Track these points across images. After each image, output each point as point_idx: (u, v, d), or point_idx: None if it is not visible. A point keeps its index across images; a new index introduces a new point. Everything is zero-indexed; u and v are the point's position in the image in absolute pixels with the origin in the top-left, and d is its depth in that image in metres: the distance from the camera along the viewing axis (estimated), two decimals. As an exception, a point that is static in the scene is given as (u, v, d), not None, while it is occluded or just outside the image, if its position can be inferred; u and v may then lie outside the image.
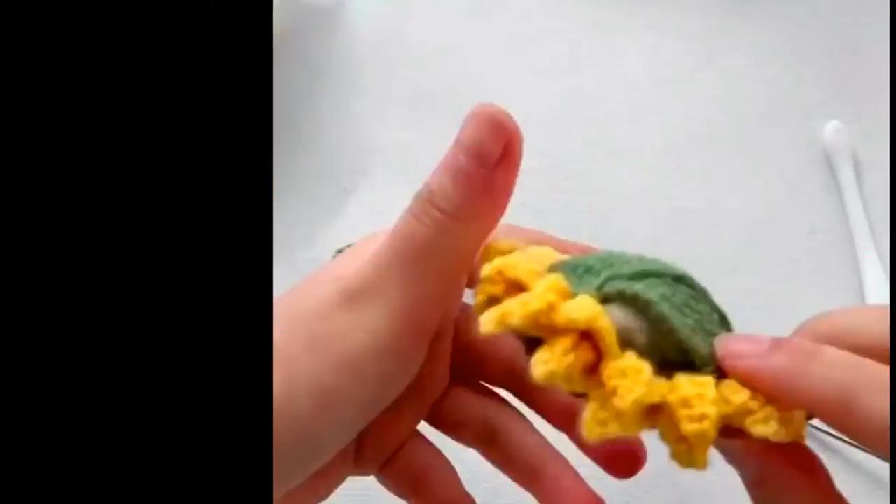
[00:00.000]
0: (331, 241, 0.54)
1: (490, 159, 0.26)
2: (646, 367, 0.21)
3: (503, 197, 0.26)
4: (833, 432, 0.24)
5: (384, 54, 0.61)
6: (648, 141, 0.57)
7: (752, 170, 0.55)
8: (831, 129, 0.55)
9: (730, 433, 0.22)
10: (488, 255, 0.27)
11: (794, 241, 0.53)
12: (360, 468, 0.30)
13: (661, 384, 0.22)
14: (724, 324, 0.25)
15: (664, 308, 0.23)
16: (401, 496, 0.31)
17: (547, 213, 0.55)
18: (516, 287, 0.23)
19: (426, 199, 0.26)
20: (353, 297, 0.26)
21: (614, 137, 0.57)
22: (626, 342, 0.22)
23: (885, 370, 0.20)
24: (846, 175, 0.54)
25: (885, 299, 0.50)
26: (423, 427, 0.32)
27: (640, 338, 0.23)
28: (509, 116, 0.25)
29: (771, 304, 0.51)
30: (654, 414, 0.22)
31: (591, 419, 0.21)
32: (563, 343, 0.21)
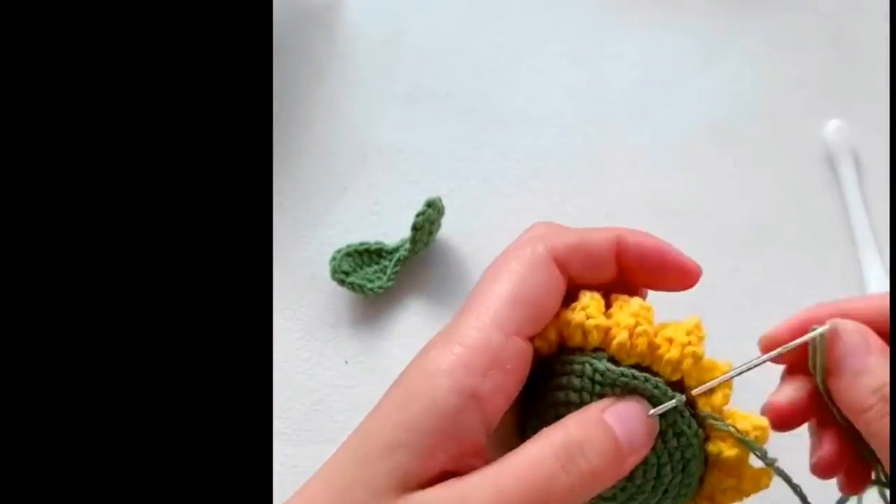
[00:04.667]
0: (329, 240, 0.54)
1: (640, 444, 0.27)
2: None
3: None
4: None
5: (383, 54, 0.61)
6: (648, 141, 0.57)
7: (752, 170, 0.55)
8: (832, 128, 0.55)
9: None
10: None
11: (795, 240, 0.53)
12: None
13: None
14: None
15: None
16: None
17: (547, 213, 0.55)
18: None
19: (577, 450, 0.25)
20: None
21: (614, 137, 0.57)
22: None
23: None
24: (847, 174, 0.54)
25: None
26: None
27: None
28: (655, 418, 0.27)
29: (771, 304, 0.50)
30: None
31: None
32: None
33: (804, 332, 0.28)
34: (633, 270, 0.28)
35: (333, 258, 0.52)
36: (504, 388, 0.26)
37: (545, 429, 0.26)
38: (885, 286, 0.50)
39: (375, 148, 0.57)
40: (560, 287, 0.27)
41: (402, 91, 0.59)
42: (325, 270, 0.52)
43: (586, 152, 0.57)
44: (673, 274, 0.29)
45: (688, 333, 0.28)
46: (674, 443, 0.27)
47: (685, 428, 0.27)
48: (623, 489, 0.27)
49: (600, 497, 0.27)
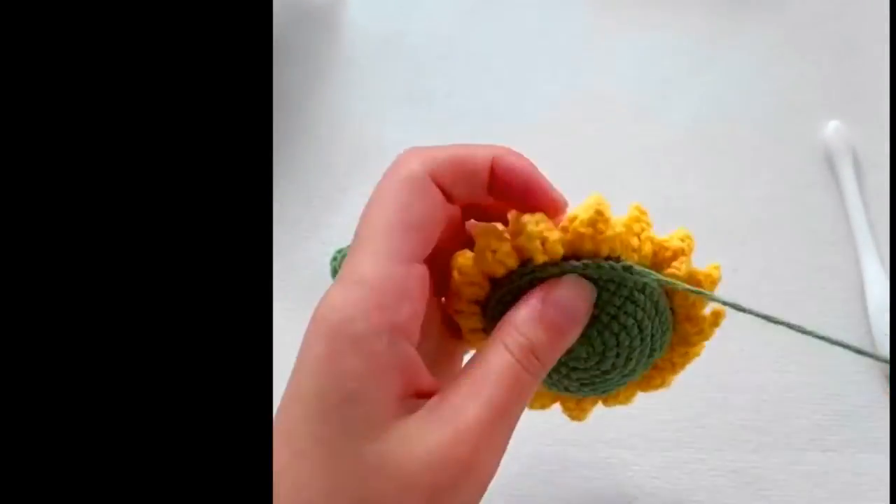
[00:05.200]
0: (330, 241, 0.54)
1: (580, 320, 0.29)
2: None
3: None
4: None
5: (383, 54, 0.61)
6: (648, 141, 0.57)
7: (752, 170, 0.55)
8: (832, 128, 0.55)
9: None
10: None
11: (795, 240, 0.53)
12: None
13: None
14: None
15: None
16: None
17: (547, 213, 0.55)
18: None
19: (531, 352, 0.28)
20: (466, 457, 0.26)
21: (614, 137, 0.57)
22: None
23: None
24: (846, 175, 0.54)
25: (886, 299, 0.50)
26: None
27: None
28: (593, 294, 0.30)
29: (771, 304, 0.50)
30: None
31: None
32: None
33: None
34: (504, 192, 0.29)
35: (333, 258, 0.52)
36: (417, 314, 0.27)
37: (496, 332, 0.28)
38: (885, 286, 0.50)
39: (375, 148, 0.57)
40: (441, 205, 0.28)
41: (402, 91, 0.59)
42: (325, 270, 0.52)
43: (586, 152, 0.57)
44: (539, 203, 0.30)
45: (637, 221, 0.32)
46: (651, 302, 0.30)
47: (660, 296, 0.31)
48: (618, 355, 0.31)
49: (601, 371, 0.31)
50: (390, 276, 0.26)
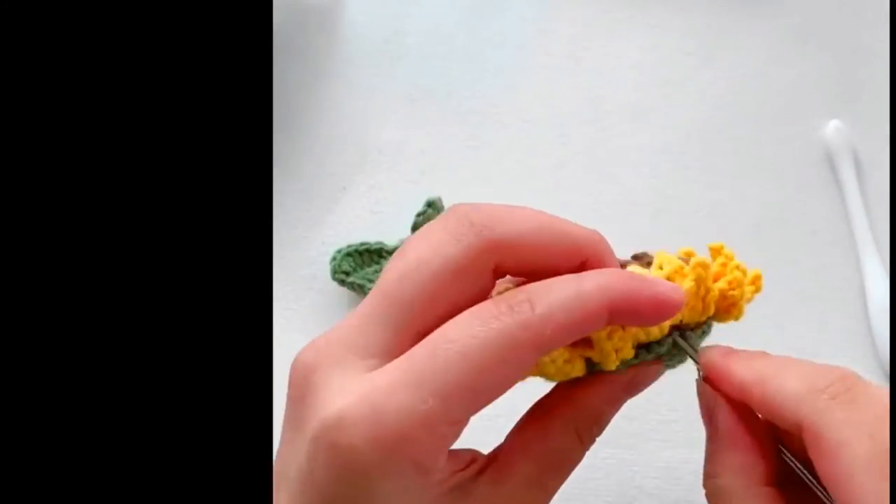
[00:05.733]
0: (329, 241, 0.54)
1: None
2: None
3: None
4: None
5: (383, 54, 0.61)
6: (648, 141, 0.57)
7: (752, 170, 0.55)
8: (832, 128, 0.55)
9: None
10: None
11: (795, 240, 0.53)
12: None
13: None
14: None
15: None
16: None
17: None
18: None
19: (594, 424, 0.27)
20: None
21: (614, 137, 0.57)
22: None
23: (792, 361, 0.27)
24: (847, 174, 0.54)
25: (886, 299, 0.50)
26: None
27: None
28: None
29: (772, 304, 0.50)
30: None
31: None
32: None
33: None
34: (623, 321, 0.27)
35: (333, 258, 0.52)
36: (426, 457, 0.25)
37: (566, 410, 0.27)
38: (885, 286, 0.50)
39: (375, 148, 0.57)
40: (481, 295, 0.25)
41: (402, 91, 0.59)
42: (325, 270, 0.52)
43: (586, 152, 0.57)
44: (656, 317, 0.27)
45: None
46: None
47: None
48: None
49: None
50: (411, 439, 0.23)
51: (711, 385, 0.28)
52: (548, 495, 0.26)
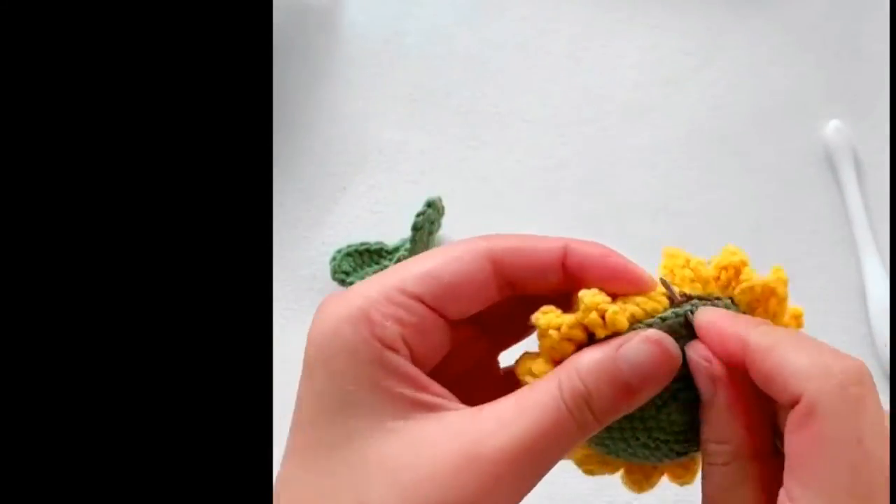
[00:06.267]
0: (330, 241, 0.54)
1: (653, 383, 0.26)
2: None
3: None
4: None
5: (383, 54, 0.61)
6: (648, 141, 0.57)
7: (752, 170, 0.55)
8: (832, 128, 0.55)
9: None
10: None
11: (795, 240, 0.53)
12: None
13: None
14: None
15: None
16: None
17: (546, 213, 0.55)
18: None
19: (586, 403, 0.25)
20: (488, 478, 0.24)
21: (614, 137, 0.57)
22: None
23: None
24: (847, 174, 0.54)
25: (885, 299, 0.50)
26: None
27: None
28: (677, 350, 0.26)
29: (771, 304, 0.50)
30: None
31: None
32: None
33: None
34: (580, 281, 0.27)
35: (333, 258, 0.52)
36: (407, 338, 0.26)
37: (557, 367, 0.26)
38: (885, 286, 0.50)
39: (375, 148, 0.57)
40: (485, 280, 0.27)
41: (402, 91, 0.59)
42: (325, 270, 0.52)
43: (586, 152, 0.57)
44: (621, 286, 0.27)
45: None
46: None
47: None
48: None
49: (685, 437, 0.28)
50: (384, 297, 0.26)
51: (704, 332, 0.27)
52: (519, 442, 0.24)
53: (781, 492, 0.23)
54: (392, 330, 0.26)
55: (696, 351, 0.27)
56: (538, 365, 0.27)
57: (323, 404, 0.25)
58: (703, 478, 0.27)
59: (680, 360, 0.26)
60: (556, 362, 0.27)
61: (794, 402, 0.24)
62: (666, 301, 0.27)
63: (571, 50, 0.60)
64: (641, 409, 0.27)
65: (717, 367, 0.26)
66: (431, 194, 0.52)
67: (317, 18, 0.62)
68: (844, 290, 0.51)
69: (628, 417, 0.27)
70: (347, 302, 0.26)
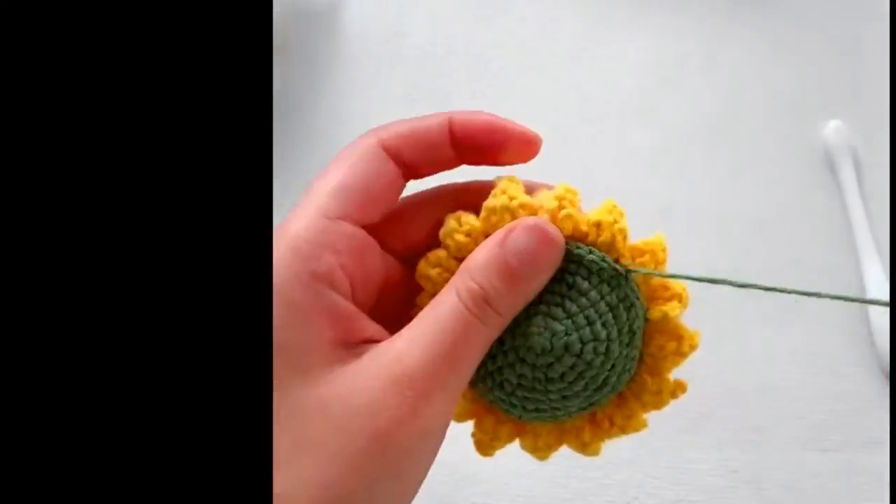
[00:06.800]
0: (330, 242, 0.54)
1: (539, 267, 0.27)
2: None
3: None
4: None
5: (383, 54, 0.61)
6: (648, 141, 0.57)
7: (752, 170, 0.55)
8: (832, 128, 0.55)
9: None
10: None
11: (795, 241, 0.53)
12: None
13: None
14: None
15: None
16: None
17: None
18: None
19: (484, 300, 0.26)
20: (415, 395, 0.25)
21: (614, 137, 0.57)
22: None
23: None
24: (847, 175, 0.54)
25: (886, 299, 0.50)
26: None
27: None
28: (558, 235, 0.28)
29: (772, 304, 0.50)
30: None
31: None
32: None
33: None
34: (471, 151, 0.29)
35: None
36: (344, 267, 0.27)
37: (452, 278, 0.27)
38: (885, 286, 0.50)
39: (375, 148, 0.57)
40: (390, 173, 0.28)
41: (402, 91, 0.59)
42: (326, 270, 0.52)
43: (586, 152, 0.57)
44: (510, 147, 0.29)
45: (609, 213, 0.29)
46: (624, 316, 0.28)
47: (635, 300, 0.28)
48: (572, 367, 0.28)
49: (547, 378, 0.28)
50: (311, 228, 0.27)
51: None
52: (434, 352, 0.25)
53: None
54: (327, 261, 0.26)
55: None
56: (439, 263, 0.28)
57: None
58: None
59: (562, 245, 0.27)
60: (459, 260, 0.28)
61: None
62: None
63: (571, 50, 0.60)
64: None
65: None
66: (431, 194, 0.52)
67: (317, 18, 0.62)
68: (845, 291, 0.51)
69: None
70: (278, 242, 0.27)
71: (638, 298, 0.28)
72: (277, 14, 0.61)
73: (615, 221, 0.29)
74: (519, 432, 0.30)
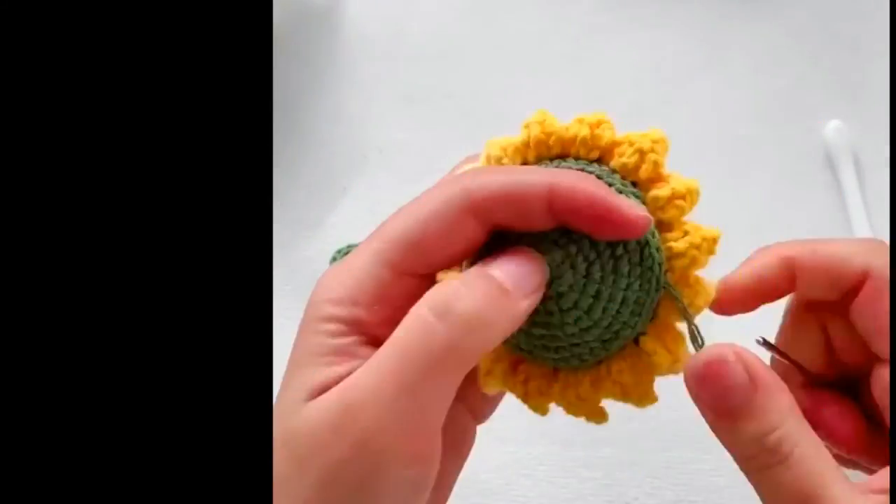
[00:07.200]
0: (330, 241, 0.54)
1: (527, 288, 0.26)
2: None
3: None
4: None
5: (383, 54, 0.61)
6: (648, 141, 0.57)
7: (752, 170, 0.55)
8: (832, 128, 0.55)
9: None
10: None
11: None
12: None
13: None
14: None
15: None
16: None
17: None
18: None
19: (443, 306, 0.25)
20: (353, 416, 0.24)
21: (614, 137, 0.57)
22: None
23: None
24: (847, 175, 0.54)
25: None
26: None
27: None
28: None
29: (772, 304, 0.50)
30: None
31: None
32: None
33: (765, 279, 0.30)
34: (570, 221, 0.26)
35: (333, 258, 0.52)
36: (393, 319, 0.25)
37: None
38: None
39: (375, 148, 0.57)
40: (469, 237, 0.26)
41: (402, 91, 0.59)
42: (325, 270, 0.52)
43: (586, 152, 0.57)
44: (610, 226, 0.26)
45: (653, 141, 0.29)
46: (637, 270, 0.27)
47: (654, 252, 0.28)
48: (579, 304, 0.27)
49: (560, 310, 0.27)
50: (378, 278, 0.26)
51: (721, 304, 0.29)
52: (402, 386, 0.24)
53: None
54: (379, 315, 0.26)
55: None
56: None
57: (288, 370, 0.26)
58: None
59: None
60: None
61: (856, 283, 0.27)
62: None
63: (571, 50, 0.60)
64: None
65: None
66: (431, 194, 0.52)
67: (317, 18, 0.62)
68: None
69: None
70: (339, 278, 0.27)
71: (657, 252, 0.28)
72: (277, 13, 0.61)
73: (652, 150, 0.29)
74: (546, 378, 0.29)
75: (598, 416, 0.29)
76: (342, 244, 0.53)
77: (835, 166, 0.54)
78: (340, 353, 0.25)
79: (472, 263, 0.27)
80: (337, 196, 0.56)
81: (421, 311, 0.25)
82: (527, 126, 0.29)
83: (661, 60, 0.60)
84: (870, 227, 0.52)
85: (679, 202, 0.29)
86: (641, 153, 0.28)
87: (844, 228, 0.53)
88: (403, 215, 0.27)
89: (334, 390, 0.25)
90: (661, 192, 0.28)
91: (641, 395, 0.28)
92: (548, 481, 0.45)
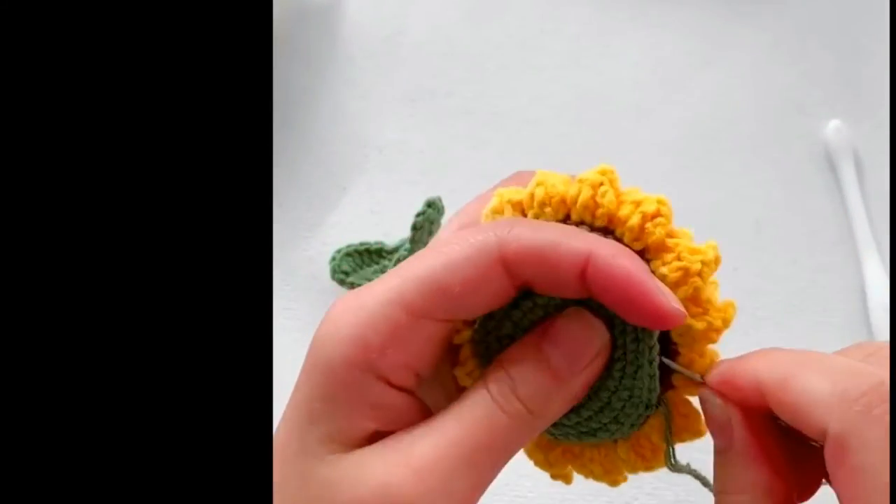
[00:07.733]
0: (330, 241, 0.54)
1: (582, 365, 0.25)
2: None
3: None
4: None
5: (383, 54, 0.61)
6: (648, 141, 0.57)
7: (752, 170, 0.55)
8: (832, 128, 0.55)
9: None
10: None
11: (795, 241, 0.53)
12: None
13: None
14: None
15: None
16: None
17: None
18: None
19: (511, 393, 0.24)
20: None
21: (614, 137, 0.57)
22: None
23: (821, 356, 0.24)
24: (847, 174, 0.54)
25: (886, 299, 0.50)
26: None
27: None
28: (602, 326, 0.26)
29: (772, 304, 0.50)
30: None
31: None
32: None
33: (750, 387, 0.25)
34: (598, 294, 0.25)
35: (333, 258, 0.52)
36: (407, 364, 0.25)
37: (488, 367, 0.25)
38: (885, 286, 0.50)
39: (375, 148, 0.57)
40: (497, 290, 0.25)
41: (402, 91, 0.59)
42: (325, 270, 0.52)
43: (586, 152, 0.56)
44: (640, 312, 0.25)
45: (659, 203, 0.28)
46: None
47: (648, 368, 0.26)
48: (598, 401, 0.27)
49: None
50: (394, 320, 0.24)
51: (718, 388, 0.26)
52: (463, 461, 0.23)
53: None
54: (391, 360, 0.25)
55: (706, 397, 0.26)
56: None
57: (300, 410, 0.25)
58: None
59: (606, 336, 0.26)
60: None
61: (821, 436, 0.22)
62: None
63: (571, 50, 0.60)
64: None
65: (734, 413, 0.25)
66: (431, 194, 0.52)
67: (317, 18, 0.62)
68: (844, 290, 0.51)
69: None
70: (349, 315, 0.25)
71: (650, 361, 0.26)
72: (277, 13, 0.61)
73: (658, 213, 0.28)
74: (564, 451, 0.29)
75: (564, 480, 0.30)
76: (342, 244, 0.53)
77: (835, 166, 0.55)
78: (358, 403, 0.25)
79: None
80: (337, 196, 0.56)
81: (485, 396, 0.24)
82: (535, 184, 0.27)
83: (661, 60, 0.60)
84: (869, 227, 0.52)
85: (694, 280, 0.28)
86: (645, 219, 0.28)
87: (844, 228, 0.53)
88: (430, 256, 0.25)
89: (390, 447, 0.24)
90: (669, 271, 0.27)
91: (611, 482, 0.29)
92: (548, 482, 0.45)
